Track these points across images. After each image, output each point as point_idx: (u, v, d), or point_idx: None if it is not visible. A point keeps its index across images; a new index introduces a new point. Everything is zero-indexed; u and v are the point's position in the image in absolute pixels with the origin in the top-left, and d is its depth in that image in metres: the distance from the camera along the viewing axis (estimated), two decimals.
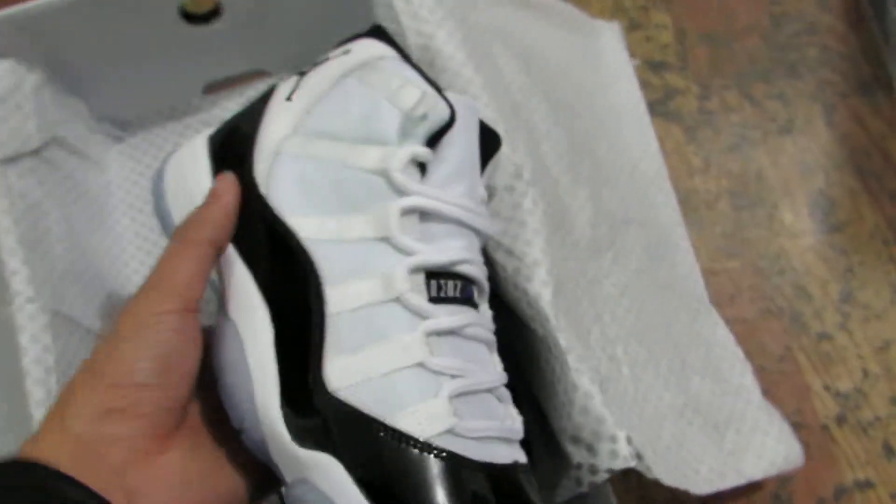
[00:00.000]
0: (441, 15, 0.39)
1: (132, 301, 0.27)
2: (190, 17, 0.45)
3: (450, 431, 0.25)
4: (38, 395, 0.34)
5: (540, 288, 0.34)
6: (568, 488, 0.33)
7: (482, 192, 0.31)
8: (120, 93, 0.49)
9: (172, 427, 0.26)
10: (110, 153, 0.50)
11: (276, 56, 0.50)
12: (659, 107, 0.53)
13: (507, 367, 0.30)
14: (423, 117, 0.29)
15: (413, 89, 0.29)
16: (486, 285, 0.30)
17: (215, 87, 0.51)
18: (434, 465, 0.25)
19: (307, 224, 0.29)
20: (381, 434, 0.25)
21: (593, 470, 0.32)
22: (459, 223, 0.29)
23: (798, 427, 0.45)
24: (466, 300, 0.29)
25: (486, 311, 0.30)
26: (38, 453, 0.24)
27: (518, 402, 0.30)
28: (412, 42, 0.38)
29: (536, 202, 0.35)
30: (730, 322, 0.46)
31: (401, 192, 0.28)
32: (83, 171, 0.46)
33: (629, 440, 0.32)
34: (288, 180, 0.30)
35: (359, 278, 0.27)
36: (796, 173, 0.51)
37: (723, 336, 0.46)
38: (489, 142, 0.32)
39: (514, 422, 0.28)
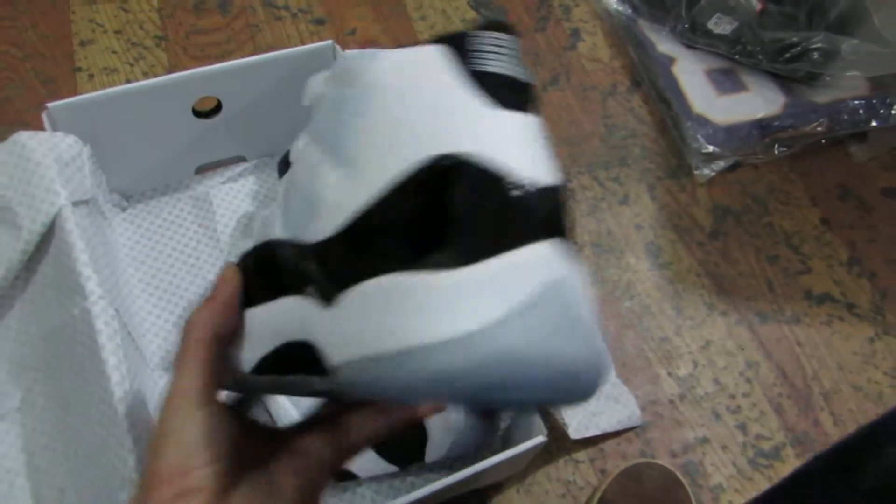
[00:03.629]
0: None
1: (165, 402, 0.29)
2: (198, 113, 0.60)
3: None
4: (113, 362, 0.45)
5: None
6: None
7: None
8: (129, 172, 0.62)
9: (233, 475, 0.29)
10: (117, 219, 0.63)
11: (256, 145, 0.65)
12: None
13: None
14: None
15: None
16: None
17: (204, 169, 0.65)
18: None
19: None
20: None
21: None
22: None
23: (653, 403, 0.63)
24: None
25: None
26: None
27: None
28: None
29: None
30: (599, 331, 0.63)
31: None
32: (105, 226, 0.58)
33: None
34: None
35: None
36: (633, 230, 0.72)
37: None
38: None
39: None
